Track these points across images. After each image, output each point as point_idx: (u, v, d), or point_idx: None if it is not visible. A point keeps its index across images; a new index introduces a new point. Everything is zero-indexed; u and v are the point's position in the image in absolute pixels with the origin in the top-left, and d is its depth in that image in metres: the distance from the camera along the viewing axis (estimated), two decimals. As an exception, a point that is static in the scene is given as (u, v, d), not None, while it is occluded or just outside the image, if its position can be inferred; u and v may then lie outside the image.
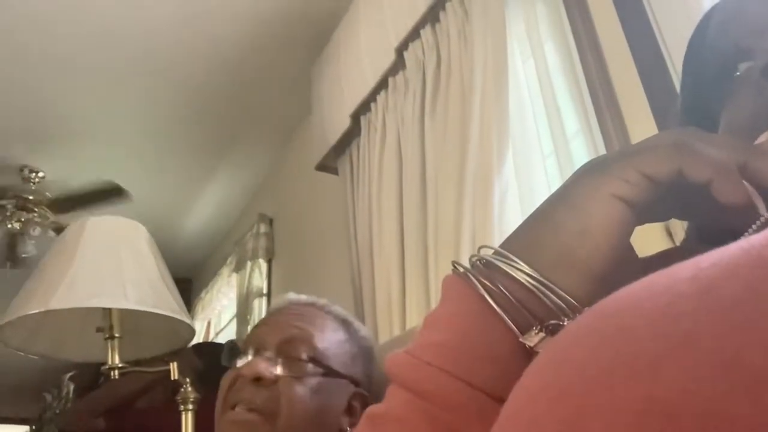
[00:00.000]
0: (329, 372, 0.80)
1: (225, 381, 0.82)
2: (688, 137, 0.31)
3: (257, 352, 0.82)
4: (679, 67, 0.99)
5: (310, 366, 0.79)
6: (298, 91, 2.34)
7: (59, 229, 2.87)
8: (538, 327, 0.31)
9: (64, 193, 2.95)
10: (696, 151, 0.30)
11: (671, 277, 0.20)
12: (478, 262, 0.34)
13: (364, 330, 0.92)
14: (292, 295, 0.92)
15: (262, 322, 0.89)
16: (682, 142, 0.30)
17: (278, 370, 0.78)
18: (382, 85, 1.70)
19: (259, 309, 2.68)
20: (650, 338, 0.18)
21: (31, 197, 2.92)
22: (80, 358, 1.54)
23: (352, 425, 0.79)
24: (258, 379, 0.78)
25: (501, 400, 0.24)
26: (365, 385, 0.85)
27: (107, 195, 2.88)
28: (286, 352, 0.80)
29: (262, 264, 2.81)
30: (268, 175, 3.05)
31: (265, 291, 2.75)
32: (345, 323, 0.89)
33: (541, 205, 0.34)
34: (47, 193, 2.95)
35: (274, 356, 0.79)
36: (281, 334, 0.82)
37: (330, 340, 0.83)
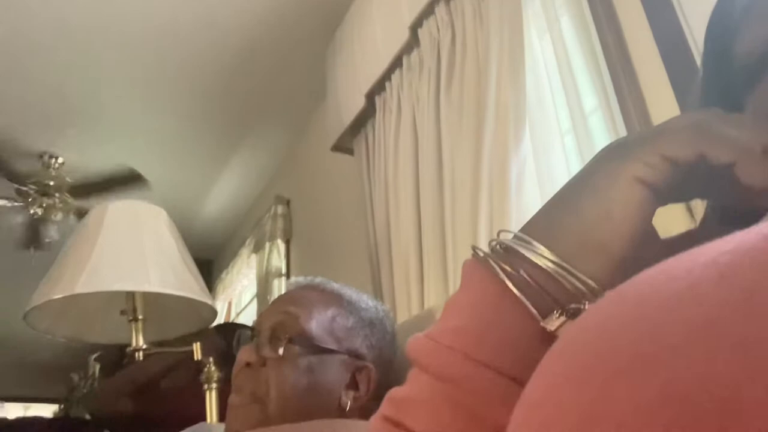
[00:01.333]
0: (318, 350, 0.81)
1: (234, 367, 0.85)
2: (710, 119, 0.30)
3: (256, 338, 0.84)
4: (700, 41, 0.97)
5: (296, 347, 0.80)
6: (313, 72, 2.34)
7: (81, 214, 2.92)
8: (559, 311, 0.31)
9: (82, 179, 2.99)
10: (718, 132, 0.29)
11: (690, 261, 0.20)
12: (497, 247, 0.34)
13: (367, 302, 0.91)
14: (293, 279, 0.95)
15: (264, 308, 0.91)
16: (704, 123, 0.30)
17: (266, 354, 0.81)
18: (397, 63, 1.69)
19: (279, 289, 2.71)
20: (669, 324, 0.18)
21: (51, 183, 2.96)
22: (105, 340, 1.58)
23: (357, 399, 0.81)
24: (248, 364, 0.82)
25: (522, 384, 0.24)
26: (372, 356, 0.85)
27: (125, 181, 2.91)
28: (275, 336, 0.82)
29: (281, 245, 2.83)
30: (285, 157, 3.06)
31: (283, 271, 2.78)
32: (338, 298, 0.88)
33: (561, 189, 0.34)
34: (67, 179, 2.99)
35: (267, 341, 0.82)
36: (272, 319, 0.85)
37: (318, 318, 0.84)
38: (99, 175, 2.95)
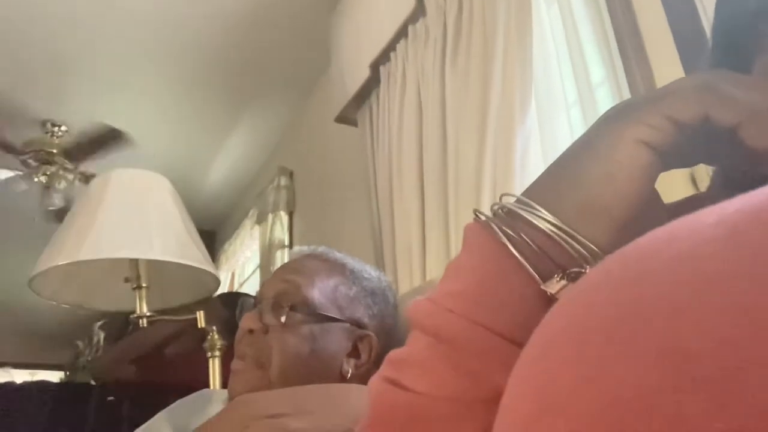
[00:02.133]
0: (320, 318, 0.81)
1: (236, 334, 0.86)
2: (715, 79, 0.30)
3: (258, 306, 0.85)
4: (710, 10, 0.95)
5: (299, 315, 0.81)
6: (317, 42, 2.31)
7: (87, 179, 2.92)
8: (560, 274, 0.31)
9: (71, 142, 2.97)
10: (723, 93, 0.29)
11: (695, 222, 0.20)
12: (499, 211, 0.34)
13: (370, 272, 0.91)
14: (297, 248, 0.95)
15: (267, 278, 0.92)
16: (708, 84, 0.29)
17: (269, 321, 0.81)
18: (402, 33, 1.67)
19: (282, 260, 2.72)
20: (672, 282, 0.18)
21: (54, 151, 2.96)
22: (109, 307, 1.59)
23: (359, 367, 0.82)
24: (251, 331, 0.82)
25: (521, 346, 0.24)
26: (374, 326, 0.85)
27: (107, 139, 2.90)
28: (277, 303, 0.82)
29: (284, 216, 2.83)
30: (288, 128, 3.04)
31: (286, 243, 2.79)
32: (341, 267, 0.89)
33: (564, 153, 0.34)
34: (72, 149, 2.99)
35: (270, 308, 0.82)
36: (274, 287, 0.85)
37: (321, 286, 0.84)
38: (82, 135, 2.94)
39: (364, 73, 1.81)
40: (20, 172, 3.00)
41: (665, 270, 0.19)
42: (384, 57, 1.75)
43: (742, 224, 0.18)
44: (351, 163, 2.15)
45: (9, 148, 2.87)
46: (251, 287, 3.25)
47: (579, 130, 1.21)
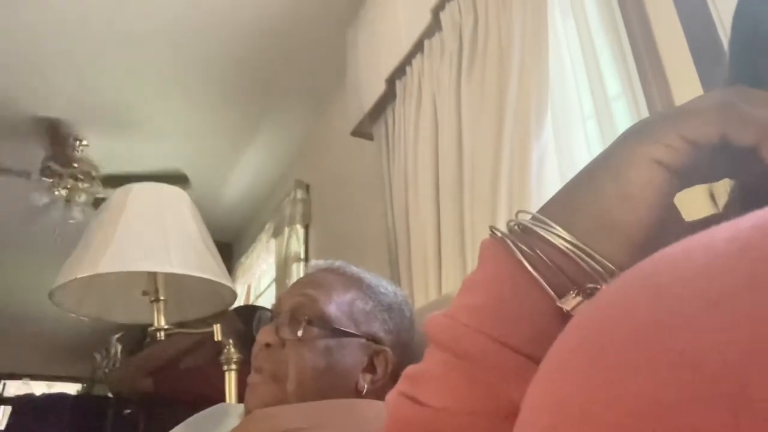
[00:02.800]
0: (336, 332, 0.81)
1: (253, 348, 0.86)
2: (733, 97, 0.30)
3: (275, 320, 0.85)
4: (728, 24, 0.95)
5: (315, 329, 0.81)
6: (333, 56, 2.33)
7: (99, 201, 2.96)
8: (576, 291, 0.31)
9: (122, 172, 3.02)
10: (741, 112, 0.29)
11: (709, 237, 0.20)
12: (515, 227, 0.34)
13: (386, 286, 0.91)
14: (314, 262, 0.95)
15: (284, 291, 0.92)
16: (726, 102, 0.29)
17: (285, 335, 0.81)
18: (418, 48, 1.68)
19: (297, 273, 2.73)
20: (687, 297, 0.18)
21: (76, 165, 3.01)
22: (127, 320, 1.60)
23: (375, 382, 0.81)
24: (268, 345, 0.83)
25: (537, 362, 0.24)
26: (390, 340, 0.85)
27: (168, 181, 2.94)
28: (294, 317, 0.82)
29: (300, 229, 2.85)
30: (305, 142, 3.06)
31: (302, 256, 2.80)
32: (358, 281, 0.88)
33: (581, 171, 0.34)
34: (92, 162, 3.03)
35: (287, 322, 0.82)
36: (291, 301, 0.85)
37: (338, 300, 0.84)
38: (141, 172, 2.98)
39: (380, 87, 1.82)
40: (42, 185, 3.05)
41: (680, 285, 0.19)
42: (400, 71, 1.76)
43: (756, 240, 0.18)
44: (367, 177, 2.16)
45: (29, 164, 2.92)
46: (267, 300, 3.26)
47: (595, 144, 1.21)
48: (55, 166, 2.96)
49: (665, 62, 1.08)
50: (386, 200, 1.77)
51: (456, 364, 0.32)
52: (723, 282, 0.18)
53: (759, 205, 0.23)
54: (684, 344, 0.17)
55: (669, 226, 0.33)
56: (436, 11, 1.58)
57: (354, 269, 0.92)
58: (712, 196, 0.46)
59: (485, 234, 0.35)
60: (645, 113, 1.09)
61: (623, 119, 1.15)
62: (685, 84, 1.02)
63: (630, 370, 0.18)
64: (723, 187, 0.40)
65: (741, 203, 0.38)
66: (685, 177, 0.31)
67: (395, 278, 1.61)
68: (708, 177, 0.34)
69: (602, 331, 0.20)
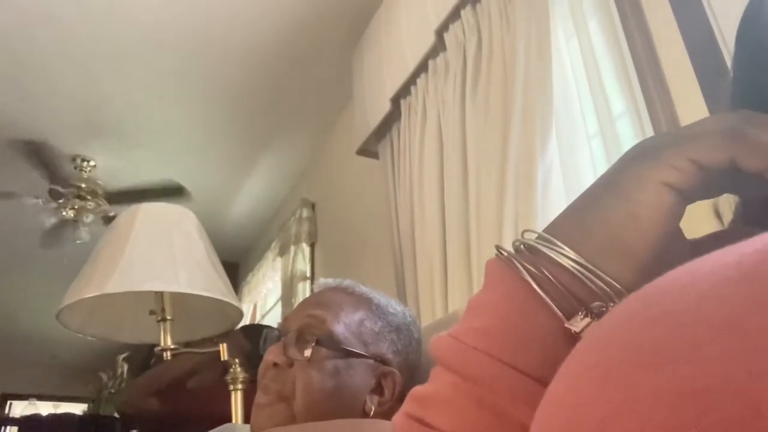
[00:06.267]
0: (344, 353, 0.80)
1: (260, 367, 0.86)
2: (741, 123, 0.30)
3: (282, 338, 0.85)
4: (731, 43, 0.96)
5: (324, 349, 0.80)
6: (339, 76, 2.36)
7: (109, 219, 2.98)
8: (584, 312, 0.31)
9: (123, 187, 3.05)
10: (750, 138, 0.29)
11: (715, 262, 0.20)
12: (521, 247, 0.34)
13: (395, 306, 0.90)
14: (322, 280, 0.94)
15: (291, 309, 0.91)
16: (735, 128, 0.30)
17: (293, 355, 0.81)
18: (422, 68, 1.70)
19: (303, 292, 2.73)
20: (693, 322, 0.18)
21: (83, 185, 3.03)
22: (134, 340, 1.60)
23: (382, 404, 0.81)
24: (276, 365, 0.82)
25: (546, 384, 0.24)
26: (398, 362, 0.84)
27: (167, 193, 2.96)
28: (302, 337, 0.82)
29: (305, 248, 2.85)
30: (311, 161, 3.08)
31: (308, 274, 2.80)
32: (367, 301, 0.88)
33: (588, 190, 0.34)
34: (99, 181, 3.05)
35: (294, 342, 0.82)
36: (299, 320, 0.84)
37: (346, 321, 0.83)
38: (139, 184, 3.01)
39: (386, 107, 1.83)
40: (48, 206, 3.07)
41: (686, 310, 0.19)
42: (405, 91, 1.78)
43: (761, 265, 0.18)
44: (372, 195, 2.17)
45: (52, 178, 2.95)
46: (273, 319, 3.25)
47: (601, 162, 1.21)
48: (60, 188, 2.98)
49: (669, 80, 1.08)
50: (392, 218, 1.77)
51: (464, 386, 0.32)
52: (729, 307, 0.18)
53: (762, 223, 0.23)
54: (691, 370, 0.17)
55: (676, 246, 0.33)
56: (440, 32, 1.60)
57: (363, 288, 0.91)
58: (717, 213, 0.46)
59: (491, 251, 0.35)
60: (650, 131, 1.09)
61: (628, 137, 1.15)
62: (689, 102, 1.02)
63: (638, 395, 0.18)
64: (728, 204, 0.41)
65: (745, 219, 0.39)
66: (693, 198, 0.32)
67: (401, 296, 1.61)
68: (714, 193, 0.34)
69: (610, 357, 0.20)
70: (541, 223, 1.15)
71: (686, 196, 0.31)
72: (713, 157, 0.30)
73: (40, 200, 3.00)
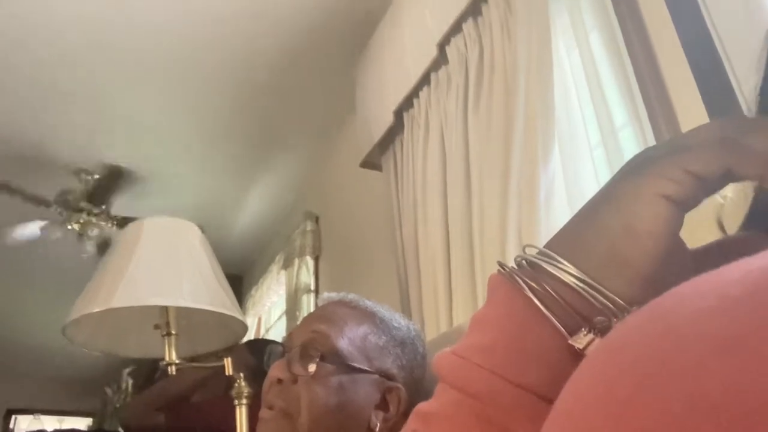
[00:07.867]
0: (349, 369, 0.80)
1: (264, 383, 0.85)
2: (736, 131, 0.30)
3: (286, 354, 0.84)
4: (732, 54, 0.96)
5: (328, 365, 0.79)
6: (342, 88, 2.37)
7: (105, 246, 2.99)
8: (587, 328, 0.31)
9: (92, 187, 3.06)
10: (745, 146, 0.29)
11: (719, 278, 0.20)
12: (523, 262, 0.34)
13: (400, 320, 0.89)
14: (326, 294, 0.93)
15: (296, 323, 0.91)
16: (729, 137, 0.30)
17: (297, 371, 0.80)
18: (425, 80, 1.70)
19: (308, 305, 2.72)
20: (697, 339, 0.18)
21: (84, 201, 3.04)
22: (139, 354, 1.60)
23: (387, 420, 0.80)
24: (280, 381, 0.82)
25: (550, 401, 0.24)
26: (403, 377, 0.84)
27: (114, 179, 2.97)
28: (306, 353, 0.81)
29: (310, 261, 2.85)
30: (314, 173, 3.09)
31: (312, 287, 2.80)
32: (371, 316, 0.87)
33: (586, 204, 0.34)
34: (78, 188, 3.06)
35: (298, 358, 0.81)
36: (303, 336, 0.84)
37: (351, 336, 0.82)
38: (94, 180, 3.02)
39: (389, 119, 1.84)
40: (54, 220, 3.08)
41: (690, 326, 0.19)
42: (408, 103, 1.79)
43: (764, 282, 0.19)
44: (376, 208, 2.17)
45: (41, 200, 2.96)
46: (278, 332, 3.24)
47: (603, 173, 1.22)
48: (69, 200, 2.99)
49: (670, 90, 1.09)
50: (395, 231, 1.77)
51: (468, 403, 0.32)
52: (733, 325, 0.18)
53: (760, 228, 0.23)
54: (695, 388, 0.17)
55: (676, 258, 0.33)
56: (442, 45, 1.61)
57: (367, 303, 0.90)
58: (720, 223, 0.46)
59: (494, 264, 0.35)
60: (652, 141, 1.09)
61: (630, 148, 1.15)
62: (691, 111, 1.03)
63: (642, 412, 0.18)
64: (730, 219, 0.41)
65: (744, 228, 0.38)
66: (690, 208, 0.32)
67: (405, 310, 1.61)
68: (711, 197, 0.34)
69: (614, 374, 0.20)
70: (544, 235, 1.15)
71: (683, 207, 0.31)
72: (708, 167, 0.30)
73: (50, 210, 3.01)
